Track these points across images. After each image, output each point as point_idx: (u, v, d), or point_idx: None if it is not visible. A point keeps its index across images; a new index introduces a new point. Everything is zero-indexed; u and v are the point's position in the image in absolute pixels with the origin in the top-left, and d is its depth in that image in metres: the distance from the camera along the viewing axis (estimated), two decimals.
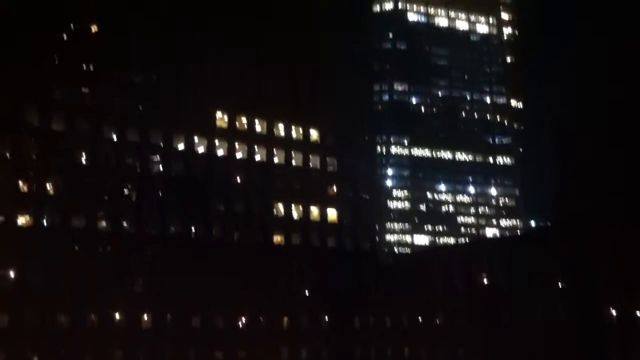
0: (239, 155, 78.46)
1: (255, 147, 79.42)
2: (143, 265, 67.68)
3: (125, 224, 69.39)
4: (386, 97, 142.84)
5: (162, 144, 72.87)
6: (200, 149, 76.28)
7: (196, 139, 75.57)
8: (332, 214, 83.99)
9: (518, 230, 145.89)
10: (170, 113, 72.72)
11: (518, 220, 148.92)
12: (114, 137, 70.17)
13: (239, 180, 77.94)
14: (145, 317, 67.94)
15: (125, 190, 69.80)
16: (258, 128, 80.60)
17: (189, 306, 68.45)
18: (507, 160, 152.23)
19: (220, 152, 77.15)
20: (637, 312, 70.87)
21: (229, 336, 70.29)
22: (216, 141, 76.81)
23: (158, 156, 72.71)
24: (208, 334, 69.33)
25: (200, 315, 69.22)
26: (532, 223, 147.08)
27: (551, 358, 69.64)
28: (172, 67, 73.46)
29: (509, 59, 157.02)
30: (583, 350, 67.87)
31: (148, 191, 70.56)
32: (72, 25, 70.10)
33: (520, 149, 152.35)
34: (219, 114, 77.96)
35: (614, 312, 72.87)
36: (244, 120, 79.55)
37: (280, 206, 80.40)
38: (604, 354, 68.56)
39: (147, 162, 71.92)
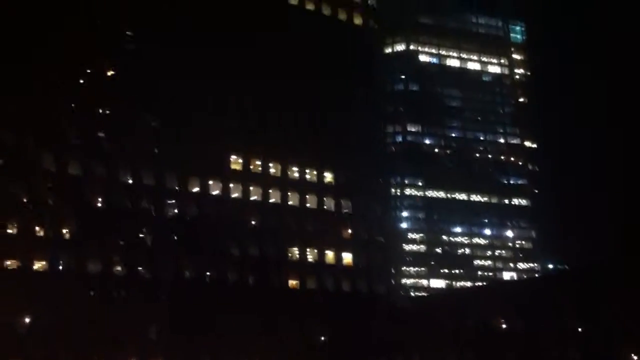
0: (253, 197, 78.36)
1: (270, 189, 79.35)
2: (157, 311, 66.96)
3: (140, 269, 69.04)
4: (399, 139, 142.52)
5: (177, 187, 72.82)
6: (215, 192, 76.24)
7: (210, 182, 75.59)
8: (347, 257, 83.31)
9: (535, 273, 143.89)
10: (185, 156, 72.76)
11: (535, 263, 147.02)
12: (130, 180, 70.28)
13: (253, 223, 77.66)
14: None
15: (141, 235, 69.60)
16: (272, 170, 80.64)
17: (203, 352, 67.45)
18: (523, 201, 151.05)
19: (234, 195, 77.09)
20: None
21: None
22: (230, 185, 76.82)
23: (173, 200, 72.72)
24: None
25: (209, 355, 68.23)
26: (550, 266, 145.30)
27: None
28: (188, 111, 73.73)
29: (521, 99, 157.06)
30: None
31: (163, 235, 70.30)
32: (88, 69, 70.83)
33: (536, 190, 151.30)
34: (233, 157, 78.07)
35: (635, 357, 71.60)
36: (258, 162, 79.66)
37: (295, 249, 79.91)
38: None
39: (163, 206, 71.84)
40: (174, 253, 70.63)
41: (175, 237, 71.30)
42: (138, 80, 70.70)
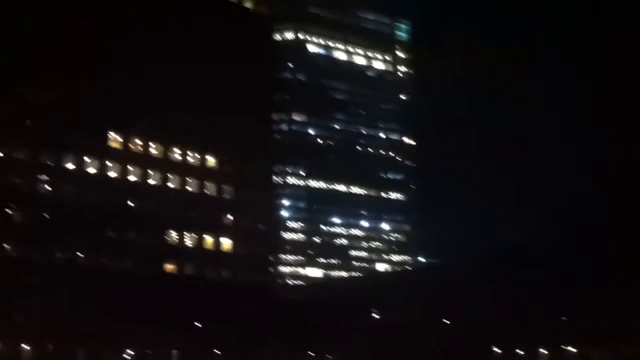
0: (131, 178, 75.55)
1: (149, 170, 76.76)
2: (24, 292, 62.89)
3: (7, 247, 64.77)
4: (284, 128, 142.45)
5: (50, 163, 68.92)
6: (91, 170, 72.73)
7: (87, 159, 72.07)
8: (227, 243, 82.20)
9: (408, 266, 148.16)
10: (61, 131, 68.80)
11: (408, 256, 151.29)
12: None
13: (130, 205, 74.87)
14: (27, 347, 63.15)
15: (9, 211, 65.26)
16: (153, 151, 78.07)
17: (74, 337, 64.06)
18: (399, 196, 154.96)
19: (111, 174, 73.92)
20: (518, 350, 73.50)
21: None
22: (108, 163, 73.60)
23: (46, 176, 68.70)
24: None
25: (85, 347, 64.95)
26: (422, 259, 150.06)
27: None
28: (67, 84, 69.70)
29: (403, 97, 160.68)
30: None
31: (34, 212, 66.25)
32: None
33: (412, 186, 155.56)
34: (112, 134, 74.88)
35: (497, 350, 75.00)
36: (138, 142, 76.83)
37: (174, 234, 77.87)
38: None
39: (34, 182, 67.78)
40: (45, 232, 66.82)
41: (47, 216, 67.44)
42: (13, 50, 66.07)
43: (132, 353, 68.83)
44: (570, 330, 73.01)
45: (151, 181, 77.07)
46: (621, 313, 68.31)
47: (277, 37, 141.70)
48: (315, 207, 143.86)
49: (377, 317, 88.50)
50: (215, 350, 73.49)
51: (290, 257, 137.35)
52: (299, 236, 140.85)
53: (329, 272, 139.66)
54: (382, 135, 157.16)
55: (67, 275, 65.68)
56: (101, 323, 64.65)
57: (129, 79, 74.41)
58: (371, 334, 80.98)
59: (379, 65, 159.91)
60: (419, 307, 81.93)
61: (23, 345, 63.60)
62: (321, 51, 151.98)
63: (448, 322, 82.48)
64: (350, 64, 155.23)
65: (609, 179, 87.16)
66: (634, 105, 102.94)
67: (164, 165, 78.25)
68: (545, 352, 72.46)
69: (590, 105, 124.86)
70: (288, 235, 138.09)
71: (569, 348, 71.52)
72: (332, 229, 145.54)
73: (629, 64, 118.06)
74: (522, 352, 73.07)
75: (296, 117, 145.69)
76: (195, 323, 73.73)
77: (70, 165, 71.15)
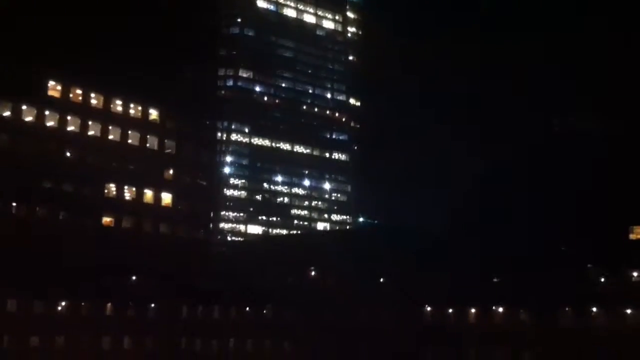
0: (70, 128, 74.02)
1: (90, 121, 75.28)
2: None
3: None
4: (230, 84, 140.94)
5: None
6: (28, 119, 70.87)
7: (24, 107, 70.16)
8: (166, 198, 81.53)
9: (347, 226, 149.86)
10: None
11: (348, 216, 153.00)
12: None
13: (68, 155, 73.45)
14: None
15: None
16: (93, 101, 76.51)
17: (4, 289, 63.14)
18: (343, 156, 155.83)
19: (50, 124, 72.24)
20: (449, 310, 75.86)
21: (47, 322, 65.70)
22: (46, 112, 71.85)
23: None
24: (23, 318, 64.45)
25: (15, 298, 64.09)
26: (361, 219, 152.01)
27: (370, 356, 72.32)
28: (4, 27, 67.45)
29: (351, 58, 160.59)
30: (402, 351, 70.96)
31: None
32: None
33: (355, 147, 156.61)
34: (51, 83, 72.98)
35: (429, 310, 77.17)
36: (78, 91, 75.13)
37: (112, 186, 76.85)
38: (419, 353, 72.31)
39: None
40: None
41: None
42: None
43: (65, 304, 68.22)
44: (500, 291, 75.73)
45: (91, 132, 75.68)
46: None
47: None
48: (258, 165, 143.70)
49: (314, 274, 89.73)
50: (150, 305, 73.47)
51: (231, 214, 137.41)
52: (241, 193, 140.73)
53: (269, 229, 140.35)
54: (328, 95, 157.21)
55: (1, 227, 64.57)
56: (36, 274, 63.99)
57: (71, 25, 72.60)
58: (307, 291, 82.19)
59: (328, 24, 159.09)
60: (355, 266, 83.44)
61: None
62: (271, 7, 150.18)
63: (382, 282, 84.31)
64: (299, 22, 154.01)
65: None
66: None
67: (105, 116, 76.81)
68: (474, 311, 74.97)
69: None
70: (230, 192, 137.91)
71: (498, 308, 74.11)
72: (275, 187, 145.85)
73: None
74: (452, 311, 75.35)
75: (242, 73, 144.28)
76: (132, 277, 73.59)
77: (7, 113, 69.26)
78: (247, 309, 78.32)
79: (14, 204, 68.24)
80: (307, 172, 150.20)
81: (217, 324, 76.02)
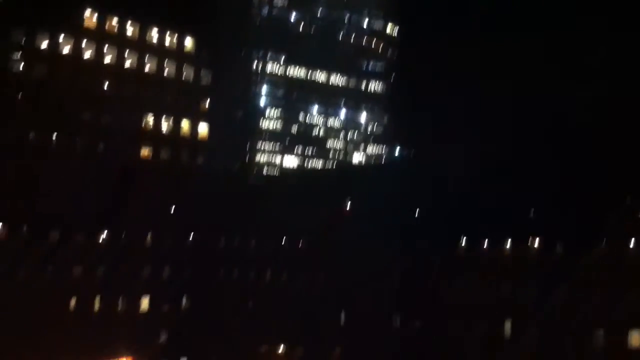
0: (107, 60, 73.78)
1: (126, 52, 74.93)
2: None
3: None
4: (265, 12, 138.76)
5: (21, 42, 66.73)
6: (65, 51, 70.70)
7: (60, 38, 69.93)
8: (203, 130, 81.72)
9: (383, 158, 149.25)
10: (33, 8, 66.32)
11: (383, 148, 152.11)
12: None
13: (105, 88, 73.48)
14: None
15: None
16: (129, 32, 75.90)
17: (44, 222, 64.41)
18: (379, 87, 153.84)
19: (86, 55, 72.05)
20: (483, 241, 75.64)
21: (87, 253, 67.23)
22: (83, 43, 71.55)
23: (19, 55, 66.71)
24: (64, 249, 65.91)
25: (58, 230, 65.40)
26: (397, 152, 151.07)
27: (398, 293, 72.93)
28: None
29: None
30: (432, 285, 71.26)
31: (4, 93, 64.67)
32: None
33: (392, 78, 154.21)
34: (87, 12, 72.47)
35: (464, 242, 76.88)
36: (114, 22, 74.51)
37: (150, 118, 77.06)
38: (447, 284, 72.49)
39: (7, 61, 65.81)
40: (16, 114, 65.55)
41: (19, 96, 65.99)
42: None
43: (106, 236, 69.49)
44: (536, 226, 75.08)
45: (127, 63, 75.41)
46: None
47: None
48: (294, 96, 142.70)
49: (349, 207, 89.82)
50: (188, 236, 74.54)
51: (266, 146, 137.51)
52: (276, 125, 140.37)
53: (304, 162, 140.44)
54: (364, 24, 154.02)
55: (39, 158, 65.29)
56: (74, 204, 65.03)
57: None
58: (341, 223, 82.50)
59: None
60: (390, 198, 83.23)
61: None
62: None
63: (418, 215, 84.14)
64: None
65: None
66: None
67: (141, 47, 76.35)
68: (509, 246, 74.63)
69: None
70: (265, 124, 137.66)
71: (533, 242, 73.64)
72: (310, 119, 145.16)
73: None
74: (486, 245, 75.08)
75: (277, 2, 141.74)
76: (169, 209, 74.46)
77: (43, 45, 69.13)
78: (282, 243, 79.16)
79: (54, 137, 68.85)
80: (342, 103, 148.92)
81: (254, 255, 77.13)
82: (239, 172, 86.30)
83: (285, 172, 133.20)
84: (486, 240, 74.39)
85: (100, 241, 69.02)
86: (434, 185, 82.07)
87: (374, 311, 73.26)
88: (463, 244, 76.18)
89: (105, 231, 69.23)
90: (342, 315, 77.51)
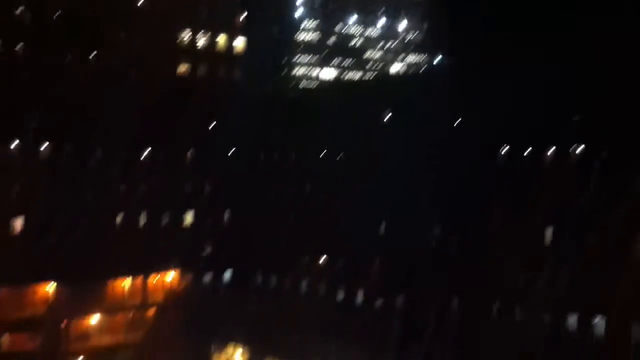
0: None
1: None
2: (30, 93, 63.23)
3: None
4: None
5: None
6: None
7: None
8: (239, 44, 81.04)
9: (423, 67, 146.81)
10: None
11: (423, 57, 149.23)
12: None
13: (139, 4, 72.98)
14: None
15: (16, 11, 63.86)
16: None
17: (89, 140, 65.69)
18: None
19: None
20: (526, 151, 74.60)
21: (132, 169, 68.71)
22: None
23: None
24: (110, 165, 67.49)
25: (102, 146, 66.75)
26: (437, 60, 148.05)
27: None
28: None
29: None
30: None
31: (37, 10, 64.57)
32: None
33: None
34: None
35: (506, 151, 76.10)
36: None
37: (185, 33, 76.62)
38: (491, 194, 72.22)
39: None
40: (51, 33, 65.82)
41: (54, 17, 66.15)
42: None
43: (149, 153, 70.67)
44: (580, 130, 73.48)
45: None
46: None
47: None
48: (331, 5, 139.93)
49: (389, 117, 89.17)
50: (228, 151, 75.39)
51: (303, 58, 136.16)
52: (313, 36, 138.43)
53: (342, 73, 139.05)
54: None
55: (77, 76, 65.84)
56: (116, 123, 65.98)
57: None
58: (381, 132, 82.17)
59: None
60: (431, 109, 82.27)
61: None
62: None
63: (461, 123, 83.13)
64: None
65: None
66: None
67: None
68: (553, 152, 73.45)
69: None
70: (302, 36, 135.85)
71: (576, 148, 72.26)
72: (348, 29, 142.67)
73: None
74: (531, 154, 74.00)
75: None
76: (208, 125, 75.02)
77: None
78: (322, 156, 79.46)
79: (88, 55, 69.07)
80: (381, 11, 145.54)
81: (293, 168, 77.89)
82: (277, 87, 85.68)
83: (323, 84, 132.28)
84: (530, 148, 73.45)
85: (144, 157, 70.30)
86: (474, 95, 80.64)
87: (414, 224, 73.89)
88: (506, 153, 75.45)
89: (149, 148, 70.45)
90: (383, 227, 78.46)
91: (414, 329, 53.96)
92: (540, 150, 73.64)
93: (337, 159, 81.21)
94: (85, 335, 63.67)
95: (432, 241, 73.56)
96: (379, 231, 77.63)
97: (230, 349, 61.65)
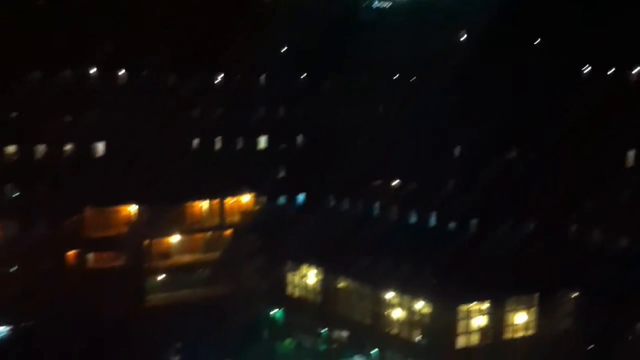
0: None
1: None
2: None
3: None
4: None
5: None
6: None
7: None
8: None
9: None
10: None
11: None
12: None
13: None
14: None
15: None
16: None
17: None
18: None
19: None
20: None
21: (205, 95, 69.79)
22: None
23: None
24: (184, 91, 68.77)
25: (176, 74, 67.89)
26: None
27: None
28: None
29: None
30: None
31: None
32: None
33: None
34: None
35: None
36: None
37: None
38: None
39: None
40: None
41: None
42: None
43: (223, 77, 71.32)
44: None
45: None
46: None
47: None
48: None
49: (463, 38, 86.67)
50: (300, 74, 75.23)
51: None
52: None
53: None
54: None
55: None
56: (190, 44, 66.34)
57: None
58: (456, 53, 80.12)
59: None
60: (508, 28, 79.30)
61: None
62: None
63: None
64: None
65: None
66: None
67: None
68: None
69: None
70: None
71: None
72: None
73: None
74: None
75: None
76: (280, 48, 74.54)
77: None
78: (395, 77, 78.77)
79: None
80: None
81: (364, 93, 77.60)
82: (348, 7, 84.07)
83: (395, 4, 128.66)
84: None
85: (217, 82, 71.20)
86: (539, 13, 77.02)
87: (488, 145, 72.70)
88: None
89: (222, 73, 71.20)
90: (458, 150, 77.67)
91: (489, 252, 53.95)
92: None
93: (410, 81, 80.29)
94: (166, 254, 66.39)
95: (508, 162, 72.60)
96: (452, 153, 77.08)
97: (304, 269, 63.20)
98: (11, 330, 56.48)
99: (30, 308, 52.66)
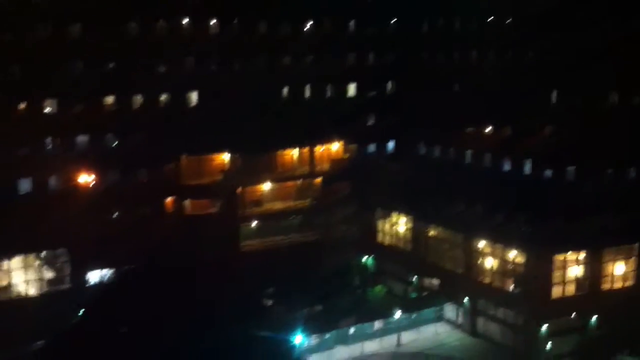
0: None
1: None
2: None
3: None
4: None
5: None
6: None
7: None
8: None
9: None
10: None
11: None
12: None
13: None
14: None
15: None
16: None
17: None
18: None
19: None
20: None
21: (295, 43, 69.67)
22: None
23: None
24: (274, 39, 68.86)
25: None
26: None
27: None
28: None
29: None
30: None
31: None
32: None
33: None
34: None
35: None
36: None
37: None
38: None
39: None
40: None
41: None
42: None
43: (311, 25, 70.87)
44: None
45: None
46: None
47: None
48: None
49: None
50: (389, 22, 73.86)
51: None
52: None
53: None
54: None
55: None
56: None
57: None
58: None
59: None
60: None
61: None
62: None
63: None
64: None
65: None
66: None
67: None
68: None
69: None
70: None
71: None
72: None
73: None
74: None
75: None
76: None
77: None
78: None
79: None
80: None
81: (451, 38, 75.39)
82: None
83: None
84: None
85: (305, 30, 70.85)
86: None
87: (588, 89, 70.03)
88: None
89: (311, 21, 70.78)
90: (554, 95, 75.20)
91: (586, 200, 52.35)
92: None
93: (506, 23, 77.62)
94: (258, 201, 67.69)
95: (608, 107, 69.72)
96: (549, 98, 74.61)
97: (394, 217, 63.23)
98: (114, 272, 59.30)
99: (131, 252, 54.85)
